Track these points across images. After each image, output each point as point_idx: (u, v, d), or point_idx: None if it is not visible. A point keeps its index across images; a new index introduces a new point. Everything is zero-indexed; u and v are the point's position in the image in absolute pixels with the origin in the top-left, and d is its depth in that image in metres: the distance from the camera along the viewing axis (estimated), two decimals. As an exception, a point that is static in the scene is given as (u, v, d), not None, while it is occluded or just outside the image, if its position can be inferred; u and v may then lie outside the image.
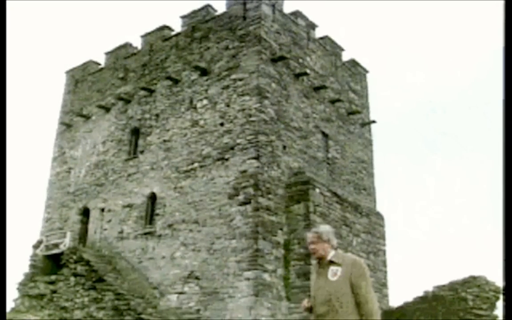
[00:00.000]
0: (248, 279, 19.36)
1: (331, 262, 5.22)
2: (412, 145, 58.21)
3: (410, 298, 21.90)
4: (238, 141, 21.59)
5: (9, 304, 23.43)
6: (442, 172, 55.26)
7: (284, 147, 22.33)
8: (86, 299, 21.22)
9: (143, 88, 25.61)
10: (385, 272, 24.46)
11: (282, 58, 23.11)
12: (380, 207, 26.65)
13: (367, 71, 29.12)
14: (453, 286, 20.89)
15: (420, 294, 21.75)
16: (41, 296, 22.56)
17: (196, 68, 23.95)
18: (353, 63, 28.35)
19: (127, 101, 26.29)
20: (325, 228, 5.47)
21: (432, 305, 20.90)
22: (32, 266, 24.92)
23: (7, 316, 21.78)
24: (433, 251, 49.64)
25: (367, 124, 27.94)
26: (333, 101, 25.73)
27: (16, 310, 22.67)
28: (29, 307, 22.53)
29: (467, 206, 52.41)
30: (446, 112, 56.67)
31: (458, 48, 60.84)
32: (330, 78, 26.13)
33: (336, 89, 26.33)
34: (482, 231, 50.56)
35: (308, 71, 24.52)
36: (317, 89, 24.86)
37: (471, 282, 20.67)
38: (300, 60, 24.54)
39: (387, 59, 59.59)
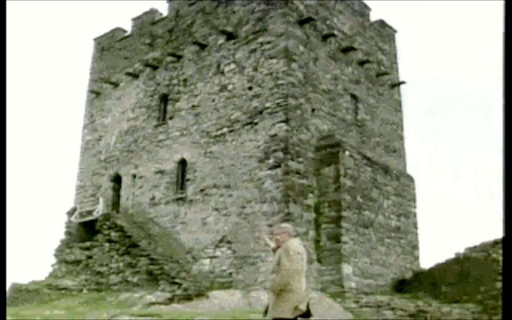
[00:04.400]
0: (279, 242, 19.48)
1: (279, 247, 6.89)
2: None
3: (441, 260, 21.92)
4: (267, 104, 21.54)
5: (47, 270, 24.13)
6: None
7: (313, 110, 22.21)
8: (121, 264, 21.65)
9: (170, 54, 25.59)
10: (416, 234, 24.38)
11: (309, 19, 22.83)
12: (410, 169, 26.48)
13: (395, 31, 28.57)
14: (484, 247, 20.80)
15: (452, 255, 21.73)
16: (77, 262, 23.08)
17: (223, 32, 23.82)
18: (381, 23, 27.83)
19: (155, 67, 26.33)
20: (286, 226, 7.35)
21: (464, 267, 20.87)
22: (68, 233, 25.44)
23: (46, 281, 22.42)
24: (465, 213, 49.34)
25: (396, 85, 27.55)
26: (361, 63, 25.40)
27: (54, 275, 23.29)
28: (66, 272, 23.10)
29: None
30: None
31: (458, 48, 59.28)
32: (358, 39, 25.73)
33: (365, 51, 25.95)
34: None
35: (335, 32, 24.20)
36: (345, 50, 24.54)
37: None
38: (328, 22, 24.20)
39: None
